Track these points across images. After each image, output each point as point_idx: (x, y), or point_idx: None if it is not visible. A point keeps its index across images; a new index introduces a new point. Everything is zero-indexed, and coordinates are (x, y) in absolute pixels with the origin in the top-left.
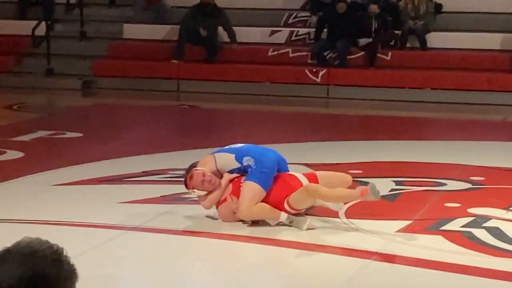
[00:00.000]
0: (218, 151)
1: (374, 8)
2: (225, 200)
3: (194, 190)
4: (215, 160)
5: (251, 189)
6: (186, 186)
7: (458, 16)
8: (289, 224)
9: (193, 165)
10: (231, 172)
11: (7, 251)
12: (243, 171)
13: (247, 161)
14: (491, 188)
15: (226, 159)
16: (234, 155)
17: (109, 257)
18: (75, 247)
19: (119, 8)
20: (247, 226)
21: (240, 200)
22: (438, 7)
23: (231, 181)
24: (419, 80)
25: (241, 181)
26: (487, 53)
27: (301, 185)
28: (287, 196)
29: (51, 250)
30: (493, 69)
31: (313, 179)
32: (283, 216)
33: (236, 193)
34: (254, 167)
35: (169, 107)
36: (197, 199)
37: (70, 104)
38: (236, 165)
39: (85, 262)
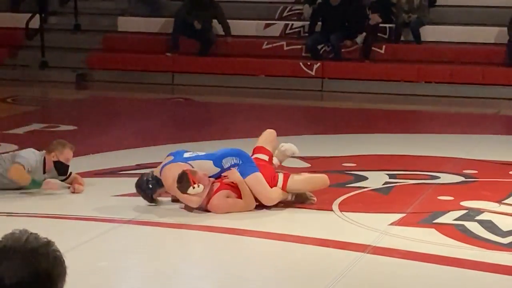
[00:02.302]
0: (185, 159)
1: None
2: (215, 193)
3: (199, 184)
4: (193, 167)
5: (257, 179)
6: (190, 183)
7: (452, 9)
8: (291, 200)
9: (147, 180)
10: (212, 177)
11: (4, 246)
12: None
13: (229, 161)
14: (484, 181)
15: (206, 167)
16: (211, 161)
17: (103, 250)
18: (69, 240)
19: (113, 1)
20: (241, 219)
21: (260, 193)
22: (432, 1)
23: (213, 182)
24: (413, 74)
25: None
26: (481, 46)
27: (269, 157)
28: (270, 173)
29: (51, 248)
30: (487, 63)
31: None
32: (290, 195)
33: (226, 187)
34: (241, 163)
35: (164, 100)
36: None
37: (64, 97)
38: (216, 170)
39: (79, 255)
